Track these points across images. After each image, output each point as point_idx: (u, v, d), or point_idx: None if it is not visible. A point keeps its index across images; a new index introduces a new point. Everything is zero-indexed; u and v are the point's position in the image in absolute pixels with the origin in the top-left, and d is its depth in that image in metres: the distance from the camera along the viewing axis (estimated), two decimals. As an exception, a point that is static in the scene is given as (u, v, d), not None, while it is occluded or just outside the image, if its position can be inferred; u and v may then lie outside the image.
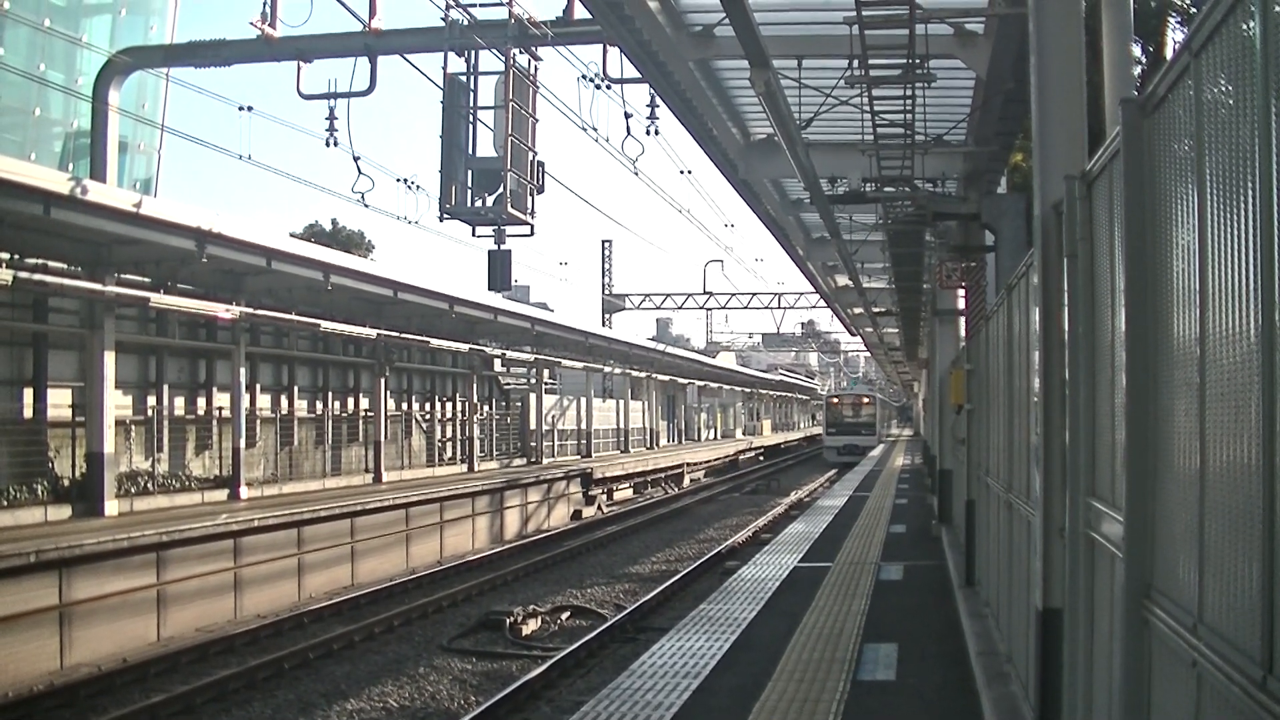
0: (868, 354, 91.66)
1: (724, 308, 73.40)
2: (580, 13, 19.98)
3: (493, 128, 20.11)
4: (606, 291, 72.42)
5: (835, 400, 72.45)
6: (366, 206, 23.47)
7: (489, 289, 27.61)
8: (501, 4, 19.36)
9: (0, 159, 17.45)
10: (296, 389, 29.80)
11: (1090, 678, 5.15)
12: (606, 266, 73.22)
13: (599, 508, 38.63)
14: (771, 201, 24.13)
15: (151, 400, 24.21)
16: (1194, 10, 13.00)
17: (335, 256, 27.32)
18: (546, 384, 45.67)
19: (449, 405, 38.92)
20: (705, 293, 71.95)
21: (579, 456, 47.36)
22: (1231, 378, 3.00)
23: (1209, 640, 3.16)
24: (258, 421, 27.27)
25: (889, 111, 13.12)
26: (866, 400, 70.76)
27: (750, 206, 24.21)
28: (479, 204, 20.40)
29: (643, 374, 56.69)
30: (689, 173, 31.18)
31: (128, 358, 23.06)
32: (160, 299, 21.80)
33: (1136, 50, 12.74)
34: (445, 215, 20.49)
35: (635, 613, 18.32)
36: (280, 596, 20.29)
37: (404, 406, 35.49)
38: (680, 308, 73.10)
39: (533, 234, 21.16)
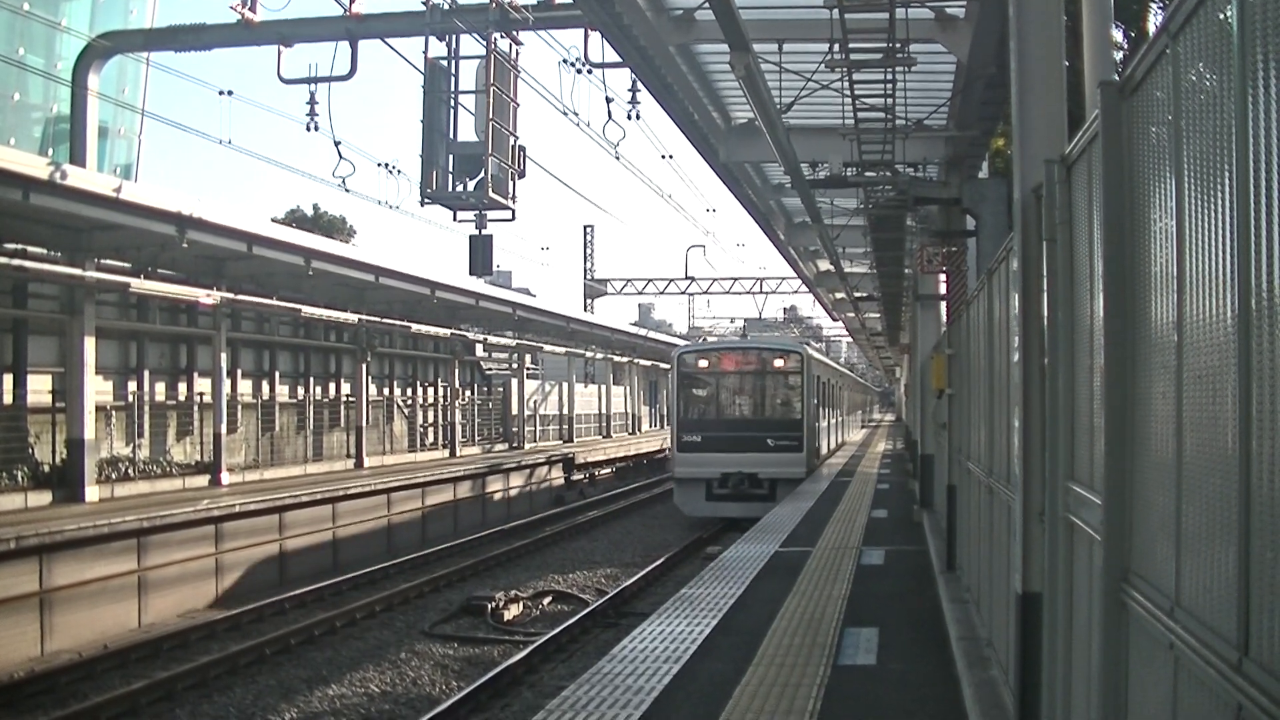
0: (850, 339, 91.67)
1: (706, 293, 73.09)
2: (561, -4, 19.92)
3: (474, 112, 20.03)
4: (588, 276, 72.32)
5: (703, 364, 30.59)
6: (348, 191, 23.42)
7: (470, 274, 27.61)
8: (482, -12, 19.29)
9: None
10: (278, 374, 29.75)
11: (1069, 661, 5.16)
12: (588, 251, 73.14)
13: (580, 492, 38.65)
14: (753, 186, 24.10)
15: (132, 385, 24.13)
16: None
17: (316, 241, 27.25)
18: (528, 369, 45.63)
19: (431, 390, 38.88)
20: (687, 278, 71.62)
21: (561, 441, 47.37)
22: (1208, 362, 3.00)
23: (1186, 623, 3.16)
24: (239, 407, 27.19)
25: (870, 96, 13.09)
26: (781, 362, 30.23)
27: (732, 191, 24.16)
28: (460, 189, 20.35)
29: (625, 359, 56.67)
30: (670, 157, 31.18)
31: (108, 343, 22.97)
32: (141, 284, 21.71)
33: (1118, 35, 12.76)
34: (426, 200, 20.44)
35: (617, 597, 18.37)
36: (262, 582, 20.24)
37: (385, 391, 35.43)
38: (662, 293, 72.91)
39: (514, 219, 21.19)
